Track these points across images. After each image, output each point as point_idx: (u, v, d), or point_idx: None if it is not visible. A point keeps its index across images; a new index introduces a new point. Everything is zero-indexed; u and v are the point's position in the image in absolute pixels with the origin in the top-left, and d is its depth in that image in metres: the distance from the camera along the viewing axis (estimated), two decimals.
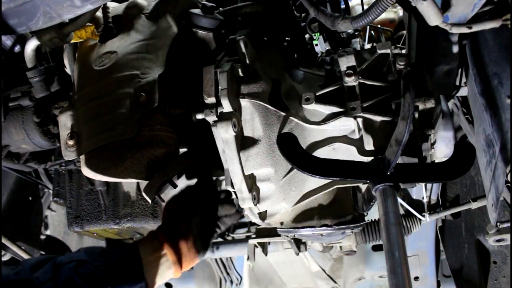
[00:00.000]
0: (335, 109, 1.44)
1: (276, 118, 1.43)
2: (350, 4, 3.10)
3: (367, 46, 2.74)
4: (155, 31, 1.47)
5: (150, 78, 1.34)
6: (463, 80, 1.75)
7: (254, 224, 2.35)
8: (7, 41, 1.68)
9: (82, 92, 1.41)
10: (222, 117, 1.29)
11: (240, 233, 2.88)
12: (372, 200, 1.34)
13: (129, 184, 1.76)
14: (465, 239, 2.38)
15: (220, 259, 3.22)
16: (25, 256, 2.21)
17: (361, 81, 1.43)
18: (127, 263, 1.13)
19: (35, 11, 1.11)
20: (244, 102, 1.36)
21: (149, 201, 1.32)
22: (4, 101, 1.64)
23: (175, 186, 1.31)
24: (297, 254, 2.07)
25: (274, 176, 1.45)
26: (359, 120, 1.39)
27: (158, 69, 1.38)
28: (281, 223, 1.61)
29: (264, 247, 2.14)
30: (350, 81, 1.42)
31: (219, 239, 2.88)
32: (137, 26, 1.47)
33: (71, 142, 1.34)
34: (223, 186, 1.43)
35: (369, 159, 1.36)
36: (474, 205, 2.16)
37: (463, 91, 1.80)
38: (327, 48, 1.84)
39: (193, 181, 1.38)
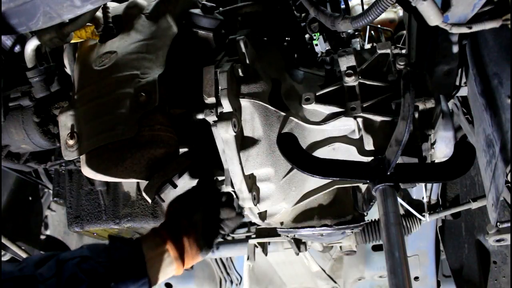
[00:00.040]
0: (335, 109, 1.44)
1: (276, 118, 1.43)
2: (350, 4, 3.10)
3: (367, 46, 2.75)
4: (155, 31, 1.47)
5: (150, 78, 1.34)
6: (463, 80, 1.75)
7: (254, 224, 2.34)
8: (7, 41, 1.68)
9: (82, 92, 1.41)
10: (222, 117, 1.29)
11: (240, 233, 2.88)
12: (372, 200, 1.34)
13: (129, 184, 1.76)
14: (465, 239, 2.38)
15: (220, 259, 3.22)
16: (25, 256, 2.21)
17: (361, 81, 1.43)
18: (130, 259, 1.13)
19: (35, 11, 1.11)
20: (244, 102, 1.36)
21: (149, 201, 1.32)
22: (4, 101, 1.64)
23: (175, 186, 1.32)
24: (297, 254, 2.07)
25: (274, 176, 1.45)
26: (359, 120, 1.39)
27: (158, 69, 1.38)
28: (281, 223, 1.61)
29: (264, 247, 2.14)
30: (350, 81, 1.42)
31: (219, 239, 2.87)
32: (137, 26, 1.48)
33: (71, 142, 1.34)
34: (223, 188, 1.43)
35: (369, 159, 1.36)
36: (474, 205, 2.16)
37: (463, 91, 1.80)
38: (327, 48, 1.84)
39: (195, 181, 1.39)
